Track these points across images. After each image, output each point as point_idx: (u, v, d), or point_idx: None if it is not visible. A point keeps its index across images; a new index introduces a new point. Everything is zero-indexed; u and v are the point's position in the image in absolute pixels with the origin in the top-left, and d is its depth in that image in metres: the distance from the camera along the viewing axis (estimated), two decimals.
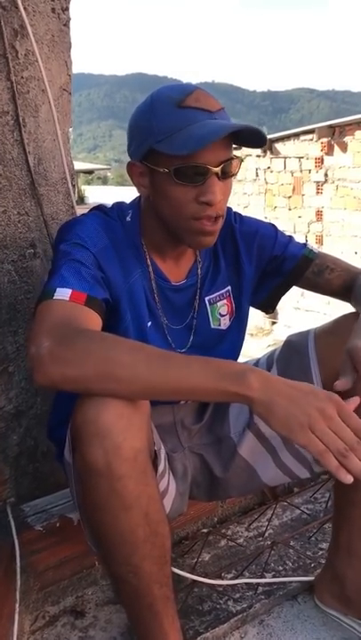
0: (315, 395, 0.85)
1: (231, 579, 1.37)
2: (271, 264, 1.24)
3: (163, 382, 0.85)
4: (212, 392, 0.86)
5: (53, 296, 0.94)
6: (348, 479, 0.82)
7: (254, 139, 1.04)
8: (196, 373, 0.85)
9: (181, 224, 1.04)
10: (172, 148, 0.98)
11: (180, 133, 0.97)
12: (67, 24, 1.39)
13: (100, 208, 1.13)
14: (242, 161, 1.08)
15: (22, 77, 1.29)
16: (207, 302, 1.20)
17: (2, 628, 1.10)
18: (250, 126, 1.01)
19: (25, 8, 1.25)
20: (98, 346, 0.86)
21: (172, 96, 1.01)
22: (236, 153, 1.05)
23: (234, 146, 1.05)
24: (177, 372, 0.85)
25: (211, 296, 1.21)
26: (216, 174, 1.00)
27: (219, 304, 1.22)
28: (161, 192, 1.04)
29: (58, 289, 0.95)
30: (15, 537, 1.22)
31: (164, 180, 1.02)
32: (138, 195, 1.14)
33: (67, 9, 1.38)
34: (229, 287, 1.23)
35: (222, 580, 1.36)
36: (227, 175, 1.02)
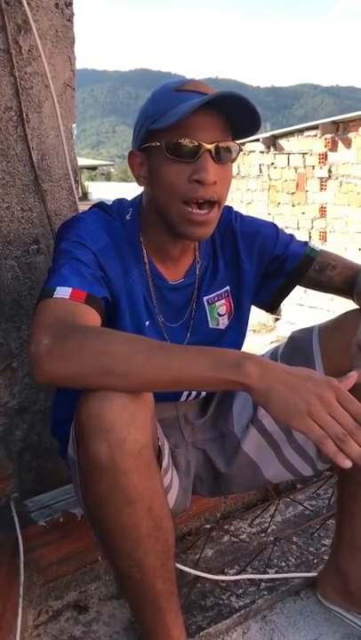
0: (313, 381, 0.85)
1: (234, 574, 1.37)
2: (273, 264, 1.24)
3: (161, 374, 0.85)
4: (210, 381, 0.86)
5: (53, 295, 0.94)
6: (347, 464, 0.82)
7: (248, 122, 1.02)
8: (193, 364, 0.85)
9: (173, 210, 1.03)
10: (163, 122, 0.99)
11: (172, 111, 0.99)
12: (70, 19, 1.38)
13: (100, 206, 1.13)
14: (241, 149, 1.07)
15: (26, 73, 1.29)
16: (205, 302, 1.20)
17: (5, 622, 1.10)
18: (235, 94, 0.97)
19: (28, 3, 1.25)
20: (94, 341, 0.86)
21: (173, 85, 1.03)
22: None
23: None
24: (175, 364, 0.85)
25: (209, 296, 1.20)
26: (210, 152, 0.99)
27: (217, 304, 1.21)
28: (156, 174, 1.04)
29: (58, 288, 0.95)
30: (19, 532, 1.22)
31: (158, 160, 1.02)
32: (140, 193, 1.14)
33: (70, 4, 1.38)
34: (228, 287, 1.23)
35: (225, 575, 1.36)
36: (223, 158, 1.02)
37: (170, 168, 1.01)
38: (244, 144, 8.05)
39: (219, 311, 1.21)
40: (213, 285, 1.21)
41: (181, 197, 1.01)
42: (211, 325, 1.21)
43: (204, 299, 1.20)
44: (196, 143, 0.99)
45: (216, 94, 0.97)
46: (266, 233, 1.24)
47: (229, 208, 1.25)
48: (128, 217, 1.12)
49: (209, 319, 1.20)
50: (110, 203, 1.16)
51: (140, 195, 1.14)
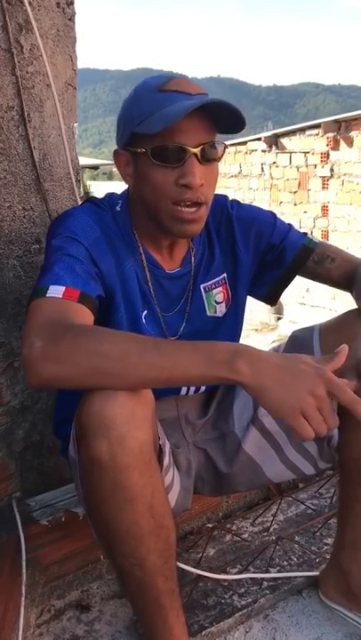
0: (305, 376, 0.85)
1: (236, 573, 1.37)
2: (270, 253, 1.23)
3: (154, 373, 0.85)
4: (203, 379, 0.86)
5: (46, 294, 0.93)
6: None
7: (233, 122, 1.02)
8: (186, 362, 0.85)
9: (163, 209, 1.03)
10: (148, 127, 0.98)
11: (156, 114, 0.98)
12: (72, 18, 1.38)
13: (91, 200, 1.13)
14: (226, 147, 1.05)
15: (27, 72, 1.29)
16: (202, 290, 1.19)
17: (8, 621, 1.10)
18: (220, 100, 0.97)
19: (30, 3, 1.25)
20: (87, 341, 0.85)
21: (155, 83, 1.02)
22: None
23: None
24: (167, 362, 0.85)
25: (206, 284, 1.20)
26: (195, 156, 0.99)
27: (214, 291, 1.21)
28: (143, 177, 1.04)
29: (51, 286, 0.94)
30: (21, 531, 1.22)
31: (144, 164, 1.02)
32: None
33: (71, 3, 1.37)
34: (225, 274, 1.22)
35: (227, 574, 1.36)
36: (208, 159, 1.01)
37: (156, 172, 1.01)
38: (245, 143, 8.05)
39: (216, 299, 1.21)
40: (210, 273, 1.20)
41: (169, 199, 1.01)
42: (208, 313, 1.20)
43: (201, 286, 1.19)
44: (182, 147, 0.99)
45: (198, 103, 0.96)
46: (263, 220, 1.23)
47: (225, 196, 1.24)
48: (118, 208, 1.12)
49: (206, 307, 1.20)
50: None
51: (128, 187, 1.13)
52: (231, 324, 1.23)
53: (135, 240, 1.11)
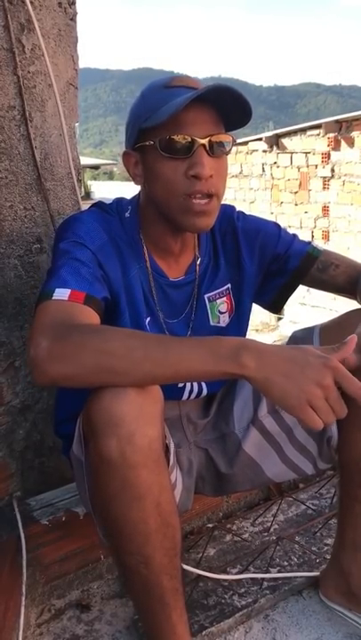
0: (311, 366, 0.85)
1: (236, 573, 1.37)
2: (275, 263, 1.24)
3: (159, 369, 0.85)
4: (209, 374, 0.86)
5: (52, 296, 0.94)
6: None
7: (239, 113, 1.03)
8: (191, 357, 0.85)
9: (174, 204, 1.03)
10: (155, 120, 0.99)
11: (162, 108, 0.99)
12: (73, 18, 1.38)
13: (98, 205, 1.14)
14: (235, 141, 1.07)
15: (29, 72, 1.29)
16: (206, 300, 1.20)
17: (8, 621, 1.10)
18: (224, 85, 0.97)
19: (31, 2, 1.25)
20: (92, 339, 0.86)
21: (161, 82, 1.04)
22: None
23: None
24: (172, 358, 0.85)
25: (210, 293, 1.20)
26: (204, 147, 1.00)
27: (218, 301, 1.21)
28: (152, 172, 1.04)
29: (57, 289, 0.95)
30: (21, 531, 1.22)
31: (153, 158, 1.03)
32: (138, 192, 1.14)
33: (73, 3, 1.38)
34: (229, 285, 1.23)
35: (227, 574, 1.36)
36: (217, 152, 1.02)
37: (165, 165, 1.01)
38: (246, 143, 8.04)
39: (220, 309, 1.21)
40: (214, 283, 1.21)
41: (180, 192, 1.02)
42: (212, 323, 1.21)
43: (205, 296, 1.20)
44: (190, 138, 0.99)
45: (205, 88, 0.97)
46: (268, 231, 1.24)
47: (232, 207, 1.25)
48: (127, 214, 1.12)
49: (210, 316, 1.20)
50: (109, 202, 1.16)
51: (139, 193, 1.14)
52: (234, 334, 1.23)
53: (141, 247, 1.12)
